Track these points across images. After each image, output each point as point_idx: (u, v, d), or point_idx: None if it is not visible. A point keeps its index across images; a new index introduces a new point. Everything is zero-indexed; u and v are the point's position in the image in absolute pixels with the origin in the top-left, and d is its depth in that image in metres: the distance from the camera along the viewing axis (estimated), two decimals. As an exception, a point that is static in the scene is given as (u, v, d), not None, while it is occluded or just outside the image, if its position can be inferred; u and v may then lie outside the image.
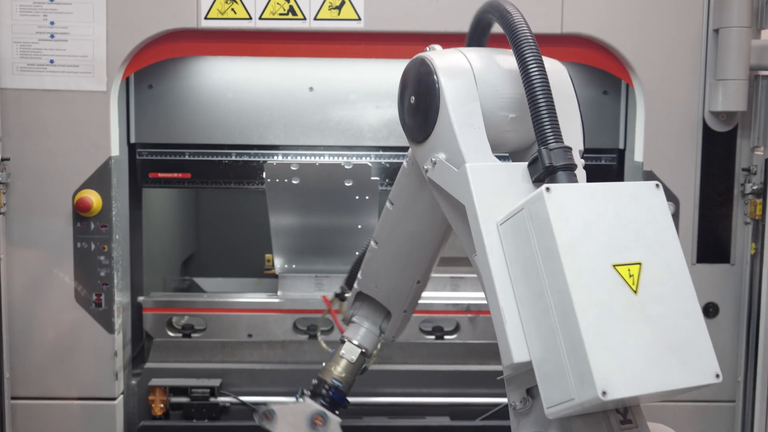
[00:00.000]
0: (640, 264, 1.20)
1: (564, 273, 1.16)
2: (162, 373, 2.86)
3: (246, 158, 2.84)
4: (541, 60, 1.34)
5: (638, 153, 2.59)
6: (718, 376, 1.21)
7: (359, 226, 2.96)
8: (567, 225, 1.19)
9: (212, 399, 2.81)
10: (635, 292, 1.19)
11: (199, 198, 4.12)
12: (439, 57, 1.44)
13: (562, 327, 1.17)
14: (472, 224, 1.29)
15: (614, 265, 1.19)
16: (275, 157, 2.82)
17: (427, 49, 1.51)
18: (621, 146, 2.78)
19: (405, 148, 2.12)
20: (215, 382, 2.83)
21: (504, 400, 2.78)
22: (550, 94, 1.31)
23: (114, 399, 2.63)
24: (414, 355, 2.95)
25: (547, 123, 1.30)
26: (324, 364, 2.36)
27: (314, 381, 2.33)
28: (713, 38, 2.50)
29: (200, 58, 2.80)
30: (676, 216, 2.56)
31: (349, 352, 2.30)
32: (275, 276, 3.11)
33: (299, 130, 2.81)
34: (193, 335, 2.96)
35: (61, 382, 2.61)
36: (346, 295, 2.35)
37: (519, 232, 1.24)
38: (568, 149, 1.30)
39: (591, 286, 1.17)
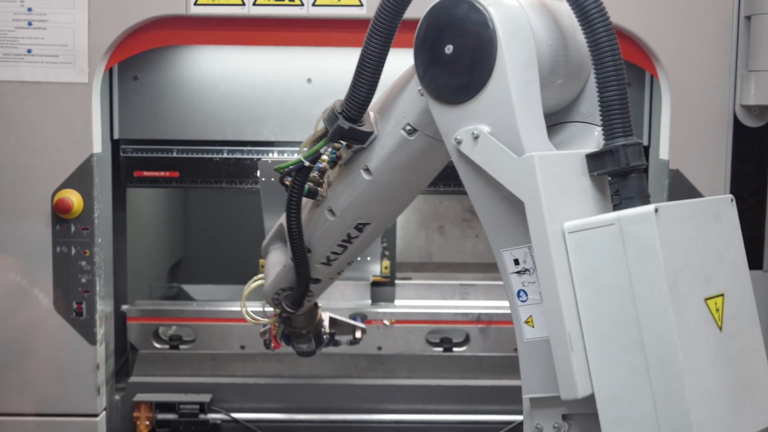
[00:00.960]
0: (723, 296, 1.18)
1: (669, 313, 1.10)
2: (148, 387, 2.84)
3: (239, 155, 2.83)
4: (612, 28, 1.20)
5: (663, 150, 2.57)
6: None
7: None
8: (673, 254, 1.13)
9: (202, 416, 2.80)
10: (720, 329, 1.17)
11: (188, 198, 4.11)
12: (493, 3, 1.26)
13: (656, 371, 1.11)
14: (534, 227, 1.18)
15: (705, 299, 1.16)
16: (270, 154, 2.81)
17: None
18: (645, 143, 2.77)
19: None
20: (205, 398, 2.82)
21: (519, 417, 2.78)
22: (625, 76, 1.20)
23: (96, 416, 2.62)
24: (420, 368, 2.94)
25: (619, 113, 1.20)
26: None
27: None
28: (745, 25, 2.48)
29: (189, 47, 2.79)
30: (704, 218, 2.55)
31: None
32: (270, 283, 3.10)
33: (296, 124, 2.80)
34: (181, 347, 2.95)
35: (38, 397, 2.60)
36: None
37: (601, 248, 1.15)
38: (640, 145, 1.22)
39: (690, 327, 1.13)
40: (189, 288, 3.70)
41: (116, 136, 2.77)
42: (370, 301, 3.01)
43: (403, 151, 1.50)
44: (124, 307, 2.92)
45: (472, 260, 3.43)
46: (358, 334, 2.52)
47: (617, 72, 1.19)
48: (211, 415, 2.81)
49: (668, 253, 1.12)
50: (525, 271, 1.27)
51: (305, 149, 1.59)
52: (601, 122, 1.21)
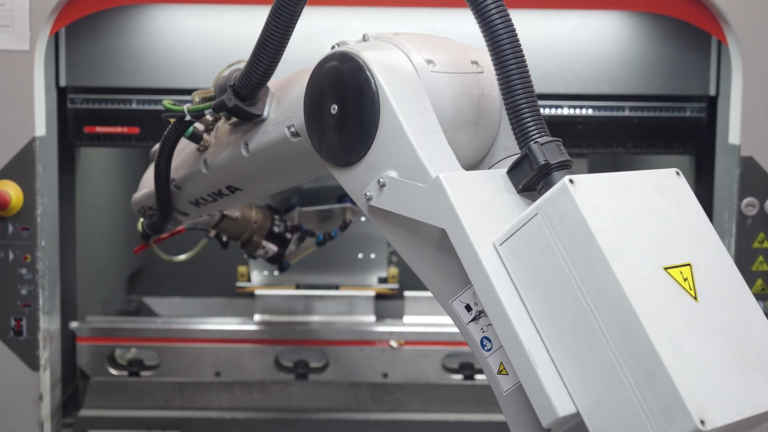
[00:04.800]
0: (690, 265, 1.25)
1: (618, 282, 1.18)
2: (102, 423, 2.86)
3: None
4: (512, 24, 1.34)
5: (734, 133, 2.58)
6: None
7: (362, 218, 2.95)
8: (604, 222, 1.22)
9: (168, 458, 2.83)
10: (695, 298, 1.23)
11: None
12: (365, 49, 1.46)
13: (624, 352, 1.18)
14: (461, 250, 1.29)
15: (665, 268, 1.23)
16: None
17: (335, 45, 1.51)
18: (710, 123, 2.79)
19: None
20: (172, 436, 2.84)
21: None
22: (528, 75, 1.34)
23: (38, 457, 2.64)
24: (435, 400, 2.96)
25: (529, 114, 1.33)
26: None
27: None
28: (834, -20, 2.49)
29: (156, 6, 2.80)
30: (781, 218, 2.57)
31: None
32: (251, 295, 3.11)
33: (289, 71, 2.80)
34: (142, 373, 2.96)
35: (-32, 435, 2.62)
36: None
37: (532, 246, 1.26)
38: (560, 142, 1.33)
39: (651, 295, 1.20)
40: (152, 301, 3.71)
41: (63, 83, 2.77)
42: (373, 318, 3.03)
43: (283, 147, 1.69)
44: (73, 324, 2.93)
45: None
46: (348, 216, 2.74)
47: (521, 73, 1.33)
48: (180, 457, 2.84)
49: (598, 221, 1.21)
50: (479, 314, 1.38)
51: (197, 99, 1.86)
52: (512, 128, 1.34)
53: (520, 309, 1.26)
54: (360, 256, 3.10)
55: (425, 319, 3.02)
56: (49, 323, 2.67)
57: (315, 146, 1.53)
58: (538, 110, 1.34)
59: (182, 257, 2.70)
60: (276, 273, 2.87)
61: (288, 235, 2.67)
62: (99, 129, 2.83)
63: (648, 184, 1.31)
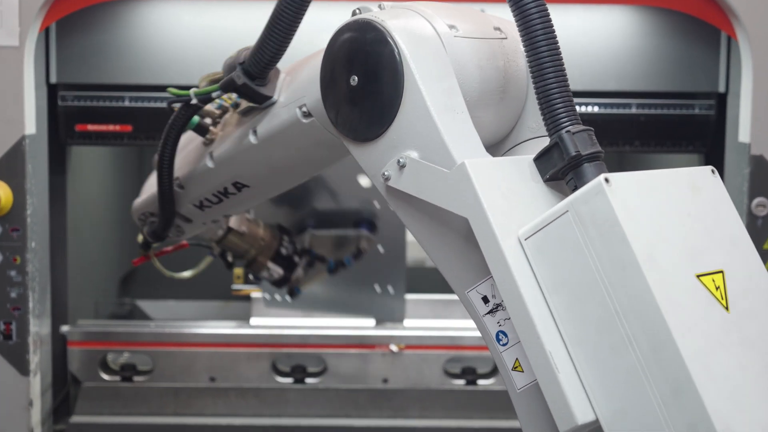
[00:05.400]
0: (722, 272, 1.24)
1: (650, 290, 1.17)
2: (94, 429, 2.85)
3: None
4: (546, 8, 1.32)
5: (744, 131, 2.57)
6: None
7: (379, 247, 2.94)
8: (639, 226, 1.20)
9: (162, 465, 2.82)
10: (726, 308, 1.22)
11: (143, 192, 4.12)
12: (390, 17, 1.41)
13: (652, 363, 1.17)
14: (484, 242, 1.27)
15: (698, 276, 1.22)
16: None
17: (357, 11, 1.46)
18: (719, 120, 2.78)
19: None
20: (166, 443, 2.83)
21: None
22: (560, 56, 1.32)
23: (28, 465, 2.63)
24: (436, 406, 2.95)
25: (560, 99, 1.31)
26: None
27: None
28: None
29: (150, 1, 2.79)
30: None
31: None
32: (247, 298, 3.10)
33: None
34: (135, 378, 2.95)
35: (-44, 442, 2.61)
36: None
37: (562, 244, 1.24)
38: (591, 131, 1.31)
39: (683, 306, 1.18)
40: (145, 304, 3.70)
41: (53, 79, 2.76)
42: (373, 321, 3.02)
43: (294, 131, 1.64)
44: (64, 328, 2.92)
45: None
46: (363, 245, 2.65)
47: (553, 55, 1.32)
48: (174, 465, 2.83)
49: (633, 224, 1.20)
50: (497, 307, 1.36)
51: (204, 83, 1.78)
52: (542, 114, 1.32)
53: (543, 308, 1.24)
54: (378, 289, 3.05)
55: (426, 322, 3.02)
56: (39, 327, 2.67)
57: (331, 118, 1.48)
58: (570, 95, 1.31)
59: (186, 274, 2.61)
60: (288, 299, 2.79)
61: (296, 259, 2.56)
62: (90, 127, 2.82)
63: (683, 184, 1.29)
